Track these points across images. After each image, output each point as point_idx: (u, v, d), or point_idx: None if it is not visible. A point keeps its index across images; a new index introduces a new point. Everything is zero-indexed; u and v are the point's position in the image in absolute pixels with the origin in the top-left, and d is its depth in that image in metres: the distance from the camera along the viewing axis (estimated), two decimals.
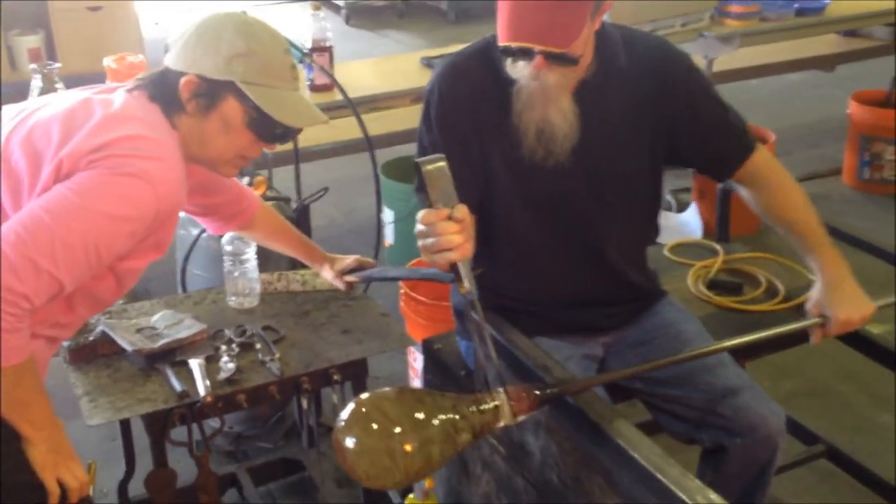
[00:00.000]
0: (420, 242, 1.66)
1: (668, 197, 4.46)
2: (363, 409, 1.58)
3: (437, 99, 2.00)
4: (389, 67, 4.24)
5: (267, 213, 2.33)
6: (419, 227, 1.65)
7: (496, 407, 1.62)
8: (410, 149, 4.02)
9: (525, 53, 1.85)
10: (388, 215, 3.94)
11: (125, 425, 2.39)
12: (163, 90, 1.79)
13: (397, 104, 3.79)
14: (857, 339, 2.26)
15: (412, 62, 4.11)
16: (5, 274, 1.56)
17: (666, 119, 2.02)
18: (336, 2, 7.97)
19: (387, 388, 1.64)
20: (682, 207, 4.43)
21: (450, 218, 1.61)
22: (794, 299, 2.44)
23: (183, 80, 1.77)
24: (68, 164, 1.65)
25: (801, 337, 2.12)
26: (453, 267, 1.65)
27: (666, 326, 2.16)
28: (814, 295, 2.07)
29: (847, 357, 2.12)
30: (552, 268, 2.10)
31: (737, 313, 2.45)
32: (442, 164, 1.62)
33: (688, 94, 2.03)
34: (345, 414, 1.59)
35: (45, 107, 1.78)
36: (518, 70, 1.89)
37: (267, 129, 1.82)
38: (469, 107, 1.98)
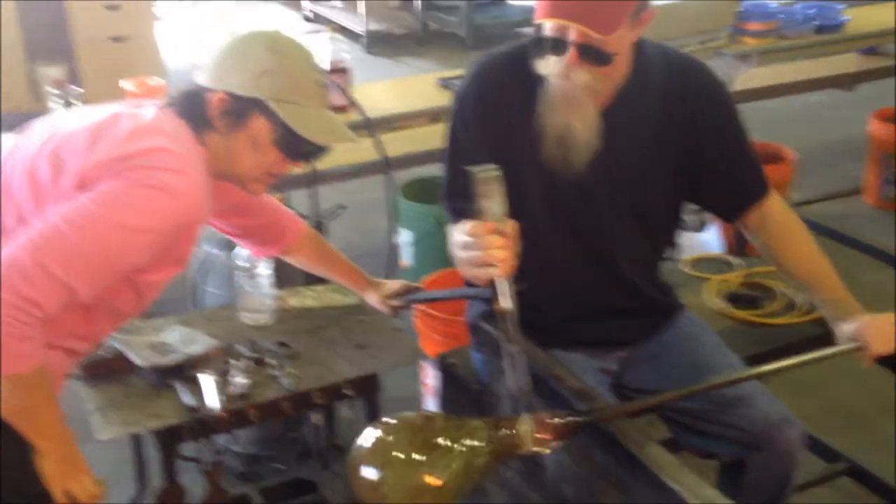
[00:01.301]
0: (462, 254, 1.62)
1: (688, 217, 4.41)
2: (384, 437, 1.53)
3: (472, 98, 1.97)
4: (406, 88, 4.25)
5: (311, 238, 2.30)
6: (463, 238, 1.60)
7: (522, 433, 1.58)
8: (428, 170, 4.05)
9: (559, 46, 1.81)
10: (406, 236, 3.94)
11: (137, 444, 2.39)
12: (191, 107, 1.79)
13: (415, 124, 3.80)
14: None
15: (429, 83, 4.11)
16: (18, 279, 1.56)
17: (692, 144, 1.98)
18: (356, 31, 8.02)
19: (408, 413, 1.59)
20: (702, 228, 4.39)
21: (495, 231, 1.56)
22: (813, 312, 2.40)
23: (212, 97, 1.77)
24: (92, 174, 1.65)
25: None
26: (491, 283, 1.59)
27: (683, 340, 2.12)
28: (843, 331, 1.98)
29: (869, 375, 2.08)
30: (570, 280, 2.07)
31: (756, 327, 2.42)
32: (495, 173, 1.54)
33: (719, 123, 2.00)
34: (364, 441, 1.53)
35: (76, 118, 1.79)
36: (549, 66, 1.84)
37: (294, 146, 1.81)
38: (501, 107, 1.95)
